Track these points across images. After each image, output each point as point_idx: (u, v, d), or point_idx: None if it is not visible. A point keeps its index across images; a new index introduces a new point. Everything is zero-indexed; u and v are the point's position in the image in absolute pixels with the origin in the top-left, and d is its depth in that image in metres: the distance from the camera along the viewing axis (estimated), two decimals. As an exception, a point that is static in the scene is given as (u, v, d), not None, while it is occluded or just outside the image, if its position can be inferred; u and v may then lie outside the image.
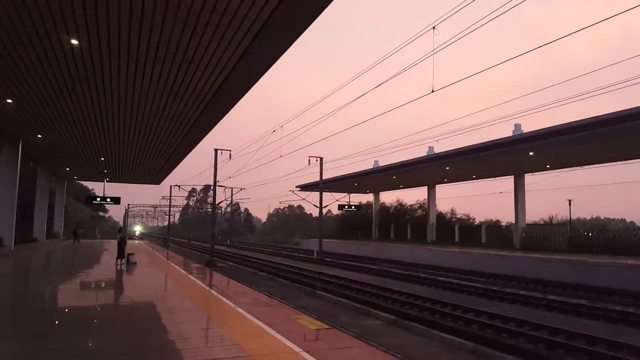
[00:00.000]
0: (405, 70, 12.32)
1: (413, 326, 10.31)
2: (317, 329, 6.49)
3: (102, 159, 27.58)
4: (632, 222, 50.96)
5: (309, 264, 28.19)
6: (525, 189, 29.75)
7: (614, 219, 52.17)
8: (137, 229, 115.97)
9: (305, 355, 5.09)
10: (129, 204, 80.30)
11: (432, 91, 11.41)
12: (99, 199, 33.27)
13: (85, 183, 63.55)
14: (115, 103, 15.54)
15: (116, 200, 31.35)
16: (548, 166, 26.95)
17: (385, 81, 13.69)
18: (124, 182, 40.28)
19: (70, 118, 17.75)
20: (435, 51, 10.77)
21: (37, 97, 14.93)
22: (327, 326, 6.73)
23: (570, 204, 30.04)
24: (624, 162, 24.46)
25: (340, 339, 6.10)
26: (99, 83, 13.45)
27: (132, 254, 18.14)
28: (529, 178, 29.71)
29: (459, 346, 8.76)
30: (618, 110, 17.42)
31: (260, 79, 12.51)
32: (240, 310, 8.01)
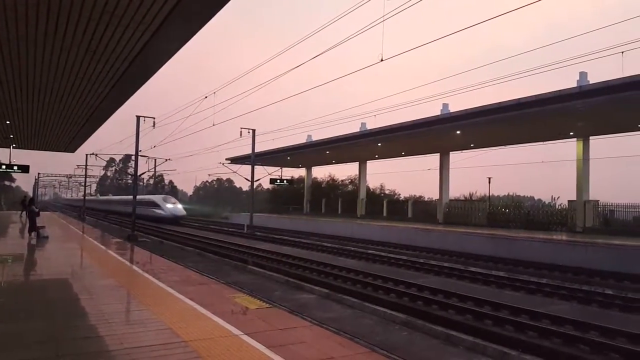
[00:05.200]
0: (351, 38, 11.88)
1: (346, 299, 10.33)
2: (257, 309, 6.14)
3: (8, 122, 24.74)
4: (539, 200, 55.35)
5: (240, 238, 27.62)
6: (450, 167, 31.10)
7: (524, 196, 56.45)
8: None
9: (247, 338, 4.71)
10: (39, 173, 74.00)
11: (382, 60, 11.19)
12: (4, 167, 30.19)
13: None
14: (23, 60, 13.74)
15: (24, 169, 28.54)
16: (472, 145, 28.23)
17: (329, 49, 13.17)
18: (34, 149, 36.70)
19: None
20: (385, 17, 10.46)
21: None
22: (267, 305, 6.38)
23: (489, 182, 31.86)
24: (540, 143, 26.22)
25: (283, 318, 5.80)
26: (3, 38, 11.73)
27: (43, 227, 17.05)
28: (453, 156, 31.04)
29: (392, 318, 8.86)
30: (538, 93, 18.45)
31: (191, 40, 11.50)
32: (170, 290, 7.45)
